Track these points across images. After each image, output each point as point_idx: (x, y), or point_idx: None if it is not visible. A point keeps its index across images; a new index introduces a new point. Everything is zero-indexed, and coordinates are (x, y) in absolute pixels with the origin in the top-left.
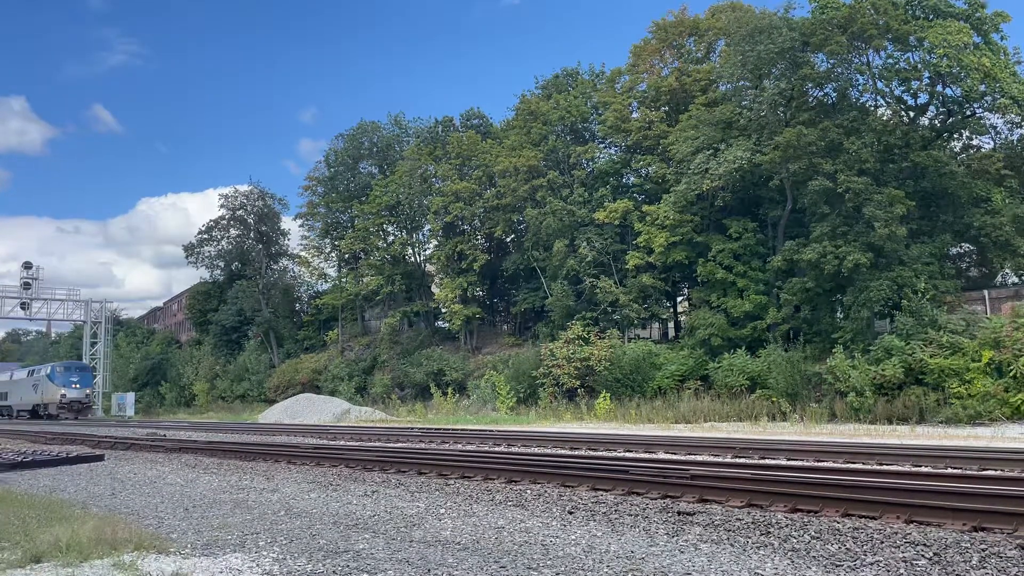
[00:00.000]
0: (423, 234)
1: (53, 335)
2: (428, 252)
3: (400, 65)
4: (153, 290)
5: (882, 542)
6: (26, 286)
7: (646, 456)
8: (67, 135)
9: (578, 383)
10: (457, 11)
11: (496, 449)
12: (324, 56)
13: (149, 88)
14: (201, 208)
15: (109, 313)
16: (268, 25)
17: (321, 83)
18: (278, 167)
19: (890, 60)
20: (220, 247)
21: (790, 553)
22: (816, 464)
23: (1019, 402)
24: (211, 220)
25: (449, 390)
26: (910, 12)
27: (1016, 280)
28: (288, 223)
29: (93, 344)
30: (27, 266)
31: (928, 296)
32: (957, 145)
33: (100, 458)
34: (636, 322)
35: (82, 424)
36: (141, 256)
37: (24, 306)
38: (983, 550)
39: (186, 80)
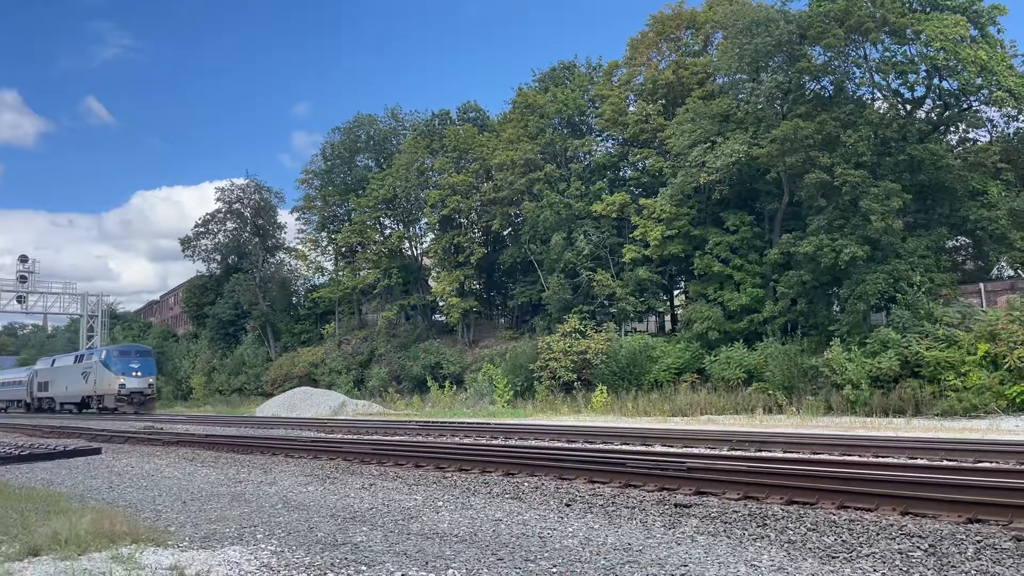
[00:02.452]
0: (420, 227)
1: (50, 328)
2: (425, 245)
3: (394, 59)
4: (149, 284)
5: (878, 534)
6: (22, 280)
7: (643, 449)
8: (60, 128)
9: (575, 376)
10: (451, 5)
11: (493, 442)
12: (317, 49)
13: (143, 81)
14: (196, 201)
15: (105, 307)
16: (261, 18)
17: (315, 76)
18: (272, 160)
19: (887, 53)
20: (217, 240)
21: (786, 545)
22: (812, 456)
23: (1014, 394)
24: (207, 213)
25: (446, 383)
26: (907, 5)
27: (1012, 273)
28: (285, 216)
29: (90, 338)
30: (23, 260)
31: (924, 289)
32: (953, 138)
33: (97, 451)
34: (633, 315)
35: (79, 418)
36: (136, 250)
37: (20, 300)
38: (978, 542)
39: (180, 73)
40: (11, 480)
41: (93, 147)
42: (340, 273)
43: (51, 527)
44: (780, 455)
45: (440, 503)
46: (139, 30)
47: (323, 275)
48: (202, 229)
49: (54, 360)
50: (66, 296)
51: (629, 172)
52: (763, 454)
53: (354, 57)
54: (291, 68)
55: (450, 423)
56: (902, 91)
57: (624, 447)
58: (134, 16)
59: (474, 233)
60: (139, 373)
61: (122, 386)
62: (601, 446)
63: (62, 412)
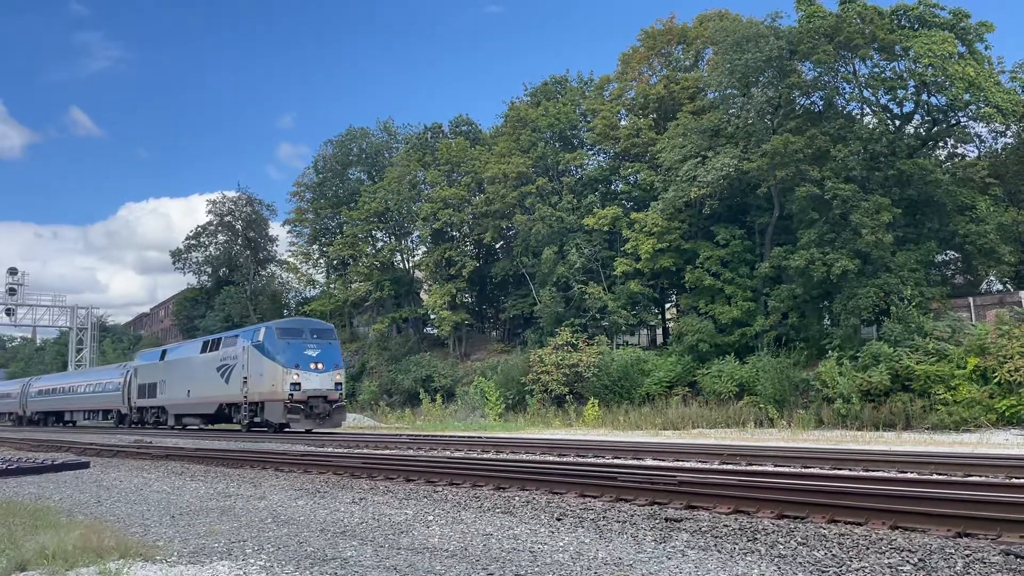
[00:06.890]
0: (412, 240)
1: (39, 341)
2: (417, 258)
3: (383, 71)
4: (137, 296)
5: (867, 548)
6: (11, 292)
7: (634, 462)
8: (47, 139)
9: (567, 389)
10: (442, 18)
11: (484, 456)
12: (305, 62)
13: (129, 93)
14: (183, 213)
15: (95, 319)
16: (248, 30)
17: (301, 88)
18: (259, 171)
19: (876, 69)
20: (208, 253)
21: (776, 559)
22: (803, 470)
23: (1004, 408)
24: (199, 226)
25: (438, 396)
26: (896, 22)
27: (1000, 287)
28: (276, 229)
29: (79, 350)
30: (12, 272)
31: (914, 303)
32: (942, 153)
33: (86, 465)
34: (624, 328)
35: (65, 431)
36: (124, 262)
37: (9, 312)
38: (967, 556)
39: (166, 85)
40: None
41: (80, 158)
42: (331, 286)
43: (38, 542)
44: (771, 469)
45: (431, 517)
46: (127, 41)
47: (314, 288)
48: (193, 241)
49: (164, 351)
50: (55, 309)
51: (620, 186)
52: (754, 468)
53: (341, 69)
54: (277, 79)
55: (441, 436)
56: (891, 106)
57: (615, 461)
58: (122, 28)
59: (466, 246)
60: (319, 364)
61: (295, 386)
62: (592, 460)
63: (177, 428)
